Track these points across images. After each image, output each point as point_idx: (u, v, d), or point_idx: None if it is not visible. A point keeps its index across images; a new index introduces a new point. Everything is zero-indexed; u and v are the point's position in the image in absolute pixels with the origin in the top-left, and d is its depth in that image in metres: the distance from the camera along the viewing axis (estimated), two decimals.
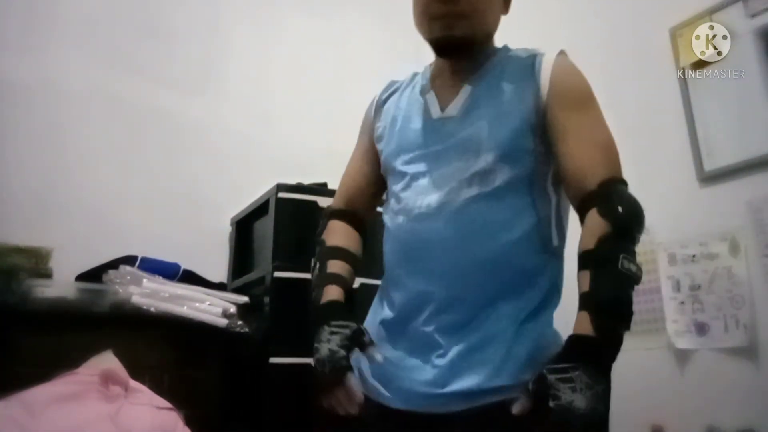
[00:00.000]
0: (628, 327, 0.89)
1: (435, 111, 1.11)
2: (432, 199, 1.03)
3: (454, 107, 1.09)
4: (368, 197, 1.23)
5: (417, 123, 1.12)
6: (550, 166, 1.04)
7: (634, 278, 0.89)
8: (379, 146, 1.18)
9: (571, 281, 0.94)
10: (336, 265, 1.13)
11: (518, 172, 1.01)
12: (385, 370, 1.04)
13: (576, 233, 0.96)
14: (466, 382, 0.94)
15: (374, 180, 1.21)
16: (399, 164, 1.11)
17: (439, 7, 1.04)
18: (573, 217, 1.03)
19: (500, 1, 1.11)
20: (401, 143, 1.12)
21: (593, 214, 0.92)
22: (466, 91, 1.09)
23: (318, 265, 1.15)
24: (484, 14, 1.07)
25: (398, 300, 1.07)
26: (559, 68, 1.04)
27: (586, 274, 0.89)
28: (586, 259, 0.91)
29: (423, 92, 1.14)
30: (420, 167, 1.07)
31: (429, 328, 1.00)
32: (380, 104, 1.23)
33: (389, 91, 1.24)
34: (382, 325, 1.10)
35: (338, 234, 1.18)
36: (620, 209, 0.91)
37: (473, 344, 0.96)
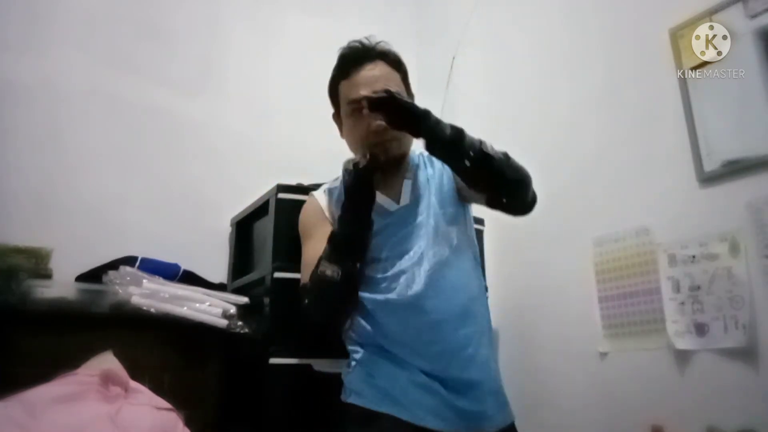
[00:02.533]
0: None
1: (392, 206, 1.51)
2: (421, 269, 1.43)
3: (405, 198, 1.52)
4: None
5: (380, 220, 1.46)
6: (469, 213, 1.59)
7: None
8: None
9: None
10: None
11: (462, 231, 1.53)
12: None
13: None
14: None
15: None
16: (378, 254, 1.46)
17: (375, 138, 1.42)
18: None
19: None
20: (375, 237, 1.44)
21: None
22: (407, 184, 1.53)
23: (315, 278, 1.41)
24: (405, 136, 1.47)
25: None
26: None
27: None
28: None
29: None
30: (397, 251, 1.45)
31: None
32: (334, 204, 1.54)
33: (334, 196, 1.56)
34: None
35: None
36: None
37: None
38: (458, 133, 1.27)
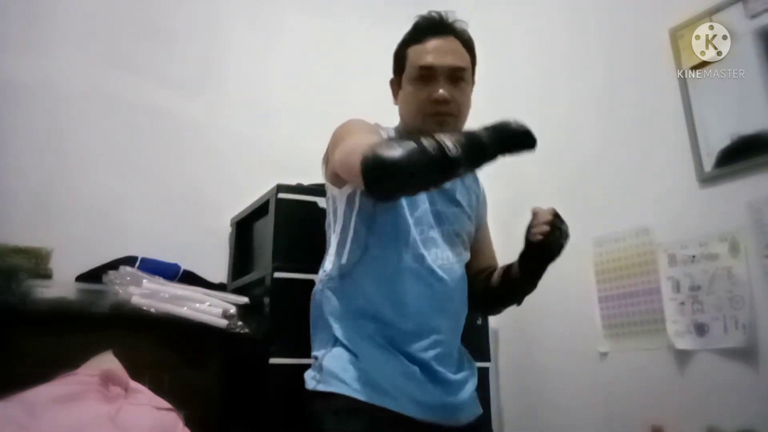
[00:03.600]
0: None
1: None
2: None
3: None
4: None
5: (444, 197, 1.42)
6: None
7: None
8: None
9: None
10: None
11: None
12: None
13: None
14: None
15: None
16: (410, 216, 1.35)
17: (434, 107, 1.33)
18: None
19: (471, 93, 1.43)
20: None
21: None
22: None
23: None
24: (465, 115, 1.39)
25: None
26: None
27: None
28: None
29: None
30: (429, 223, 1.38)
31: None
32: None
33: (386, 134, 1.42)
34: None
35: None
36: None
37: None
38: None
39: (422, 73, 1.35)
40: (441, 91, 1.32)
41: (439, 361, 1.32)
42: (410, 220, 1.34)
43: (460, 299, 1.42)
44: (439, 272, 1.34)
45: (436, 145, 0.99)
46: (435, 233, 1.37)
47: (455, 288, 1.38)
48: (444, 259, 1.36)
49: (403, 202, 1.32)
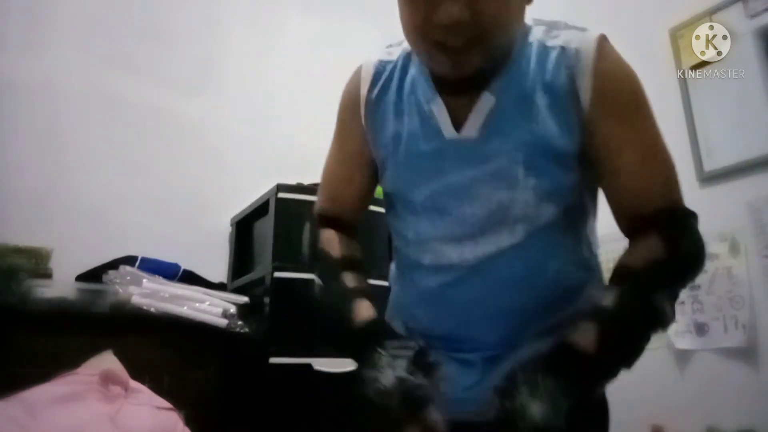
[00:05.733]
0: (628, 366, 0.78)
1: (447, 130, 0.85)
2: (466, 252, 0.86)
3: (472, 125, 0.84)
4: (358, 204, 1.03)
5: (427, 144, 0.87)
6: (592, 189, 0.89)
7: (662, 320, 0.76)
8: (380, 164, 0.96)
9: None
10: (354, 278, 0.94)
11: (562, 208, 0.84)
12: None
13: None
14: None
15: (365, 186, 1.01)
16: (414, 198, 0.90)
17: (439, 35, 0.76)
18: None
19: (523, 7, 0.82)
20: (411, 171, 0.90)
21: (652, 238, 0.79)
22: (486, 101, 0.83)
23: (330, 280, 0.96)
24: (507, 27, 0.78)
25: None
26: (602, 67, 0.82)
27: (617, 289, 0.77)
28: (624, 275, 0.78)
29: (427, 98, 0.87)
30: (440, 204, 0.87)
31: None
32: (370, 102, 0.94)
33: (378, 85, 0.94)
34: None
35: (340, 244, 0.99)
36: (685, 244, 0.80)
37: None
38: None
39: None
40: (448, 7, 0.73)
41: None
42: None
43: None
44: None
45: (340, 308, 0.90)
46: None
47: None
48: None
49: None
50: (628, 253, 0.81)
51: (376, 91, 0.94)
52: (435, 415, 0.76)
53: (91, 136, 2.15)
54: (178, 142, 2.32)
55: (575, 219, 0.88)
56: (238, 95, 2.50)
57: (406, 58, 0.93)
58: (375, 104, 0.94)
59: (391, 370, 0.77)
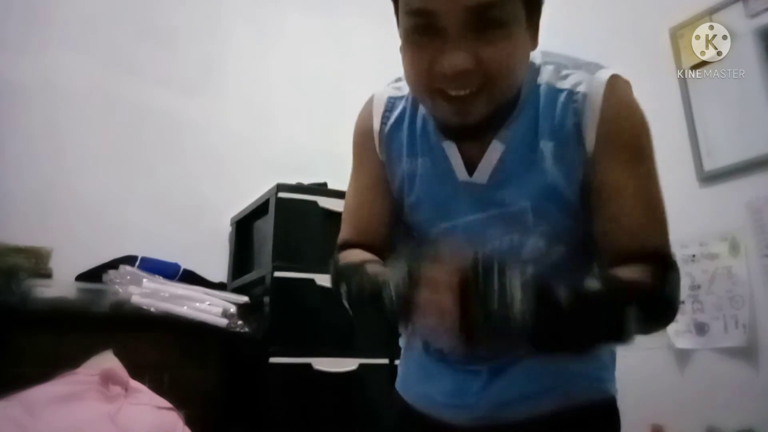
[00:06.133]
0: (573, 348, 0.77)
1: (461, 172, 0.86)
2: None
3: (483, 171, 0.85)
4: (383, 230, 0.97)
5: (441, 185, 0.88)
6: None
7: (624, 332, 0.73)
8: (401, 197, 0.95)
9: None
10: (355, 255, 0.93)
11: (571, 247, 0.86)
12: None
13: None
14: None
15: (388, 211, 0.97)
16: (431, 233, 0.90)
17: (445, 84, 0.75)
18: None
19: (527, 42, 0.79)
20: (426, 210, 0.91)
21: (641, 268, 0.77)
22: (495, 150, 0.84)
23: (351, 276, 0.88)
24: (513, 74, 0.77)
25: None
26: (608, 110, 0.81)
27: (602, 284, 0.77)
28: (610, 279, 0.78)
29: (440, 138, 0.87)
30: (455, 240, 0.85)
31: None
32: (383, 136, 0.94)
33: (390, 121, 0.94)
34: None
35: (357, 254, 0.93)
36: (669, 289, 0.79)
37: None
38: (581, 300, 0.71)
39: (417, 23, 0.76)
40: (453, 57, 0.73)
41: None
42: None
43: None
44: None
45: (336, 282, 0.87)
46: None
47: None
48: None
49: None
50: (617, 269, 0.79)
51: (388, 127, 0.94)
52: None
53: (90, 136, 2.15)
54: (178, 142, 2.32)
55: (584, 255, 0.89)
56: (238, 95, 2.50)
57: (415, 103, 0.93)
58: (388, 139, 0.94)
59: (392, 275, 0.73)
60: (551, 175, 0.82)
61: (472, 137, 0.84)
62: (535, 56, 0.86)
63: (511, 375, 0.86)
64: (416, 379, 0.98)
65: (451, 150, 0.86)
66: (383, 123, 0.94)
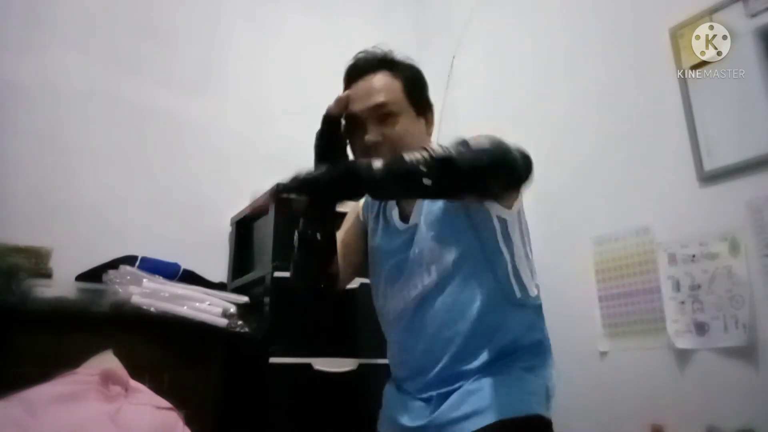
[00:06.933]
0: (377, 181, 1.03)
1: (398, 223, 1.29)
2: (406, 297, 1.24)
3: (416, 216, 1.26)
4: (348, 267, 1.37)
5: (386, 232, 1.32)
6: (506, 235, 1.18)
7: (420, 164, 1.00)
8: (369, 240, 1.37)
9: None
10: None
11: (460, 251, 1.18)
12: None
13: None
14: None
15: (359, 257, 1.39)
16: (381, 265, 1.30)
17: (367, 154, 1.18)
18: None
19: (417, 122, 1.26)
20: (380, 248, 1.32)
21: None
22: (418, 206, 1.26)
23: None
24: (405, 143, 1.18)
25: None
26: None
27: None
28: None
29: (391, 206, 1.32)
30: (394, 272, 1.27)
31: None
32: (365, 210, 1.41)
33: (368, 204, 1.41)
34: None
35: None
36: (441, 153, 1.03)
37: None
38: (396, 159, 1.02)
39: (349, 122, 1.26)
40: (367, 137, 1.21)
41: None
42: None
43: None
44: None
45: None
46: None
47: None
48: None
49: None
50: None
51: (367, 207, 1.39)
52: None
53: (91, 136, 2.15)
54: (178, 142, 2.32)
55: (485, 260, 1.17)
56: (238, 95, 2.50)
57: None
58: (366, 214, 1.39)
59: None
60: (446, 210, 1.23)
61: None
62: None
63: (453, 399, 1.12)
64: (389, 405, 1.28)
65: (392, 210, 1.31)
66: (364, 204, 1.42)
